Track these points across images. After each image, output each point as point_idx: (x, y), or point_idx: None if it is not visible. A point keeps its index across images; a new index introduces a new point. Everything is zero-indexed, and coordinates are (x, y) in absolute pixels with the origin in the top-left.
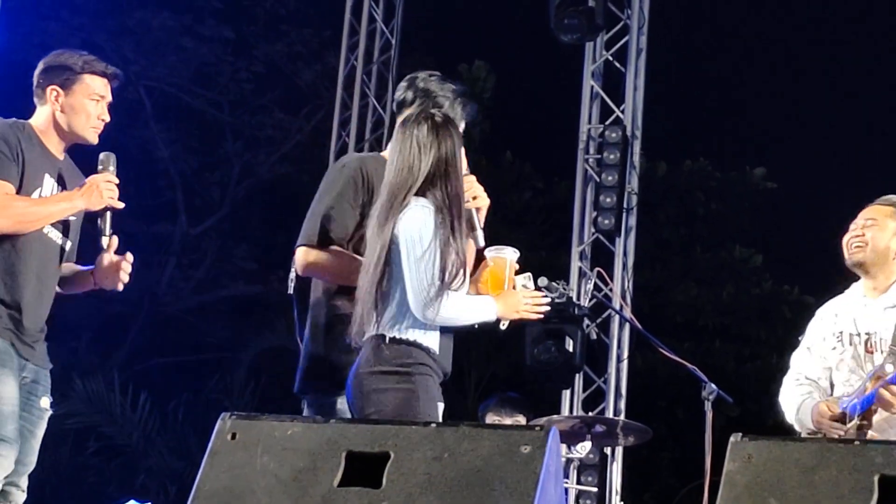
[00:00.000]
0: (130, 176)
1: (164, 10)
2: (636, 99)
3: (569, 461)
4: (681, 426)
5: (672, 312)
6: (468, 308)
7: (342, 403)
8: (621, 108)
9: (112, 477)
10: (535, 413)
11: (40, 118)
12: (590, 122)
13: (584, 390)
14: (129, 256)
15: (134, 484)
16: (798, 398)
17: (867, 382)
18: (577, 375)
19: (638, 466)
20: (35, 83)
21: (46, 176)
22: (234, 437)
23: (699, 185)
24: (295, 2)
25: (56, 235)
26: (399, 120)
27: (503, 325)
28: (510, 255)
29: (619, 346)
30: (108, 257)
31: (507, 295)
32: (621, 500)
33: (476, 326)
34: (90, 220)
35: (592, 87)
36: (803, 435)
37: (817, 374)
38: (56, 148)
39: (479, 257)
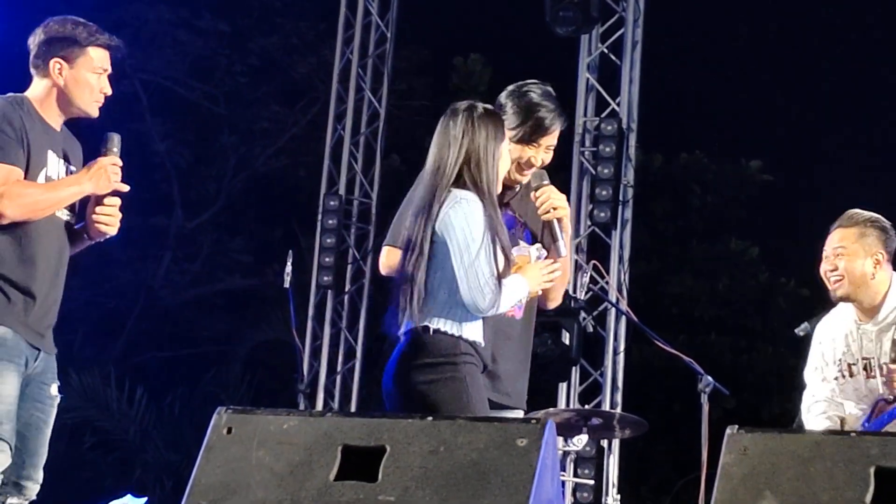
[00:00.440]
0: (126, 169)
1: (160, 4)
2: (632, 91)
3: (565, 454)
4: (677, 419)
5: (668, 305)
6: (511, 293)
7: None
8: (617, 101)
9: (108, 471)
10: (532, 406)
11: (39, 91)
12: (585, 114)
13: (580, 383)
14: (116, 199)
15: (130, 478)
16: (819, 420)
17: (874, 410)
18: (574, 368)
19: (634, 459)
20: (34, 54)
21: (50, 153)
22: (229, 431)
23: (695, 177)
24: None
25: (63, 212)
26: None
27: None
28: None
29: (615, 339)
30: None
31: (529, 269)
32: (618, 492)
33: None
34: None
35: (588, 79)
36: None
37: (829, 394)
38: (55, 121)
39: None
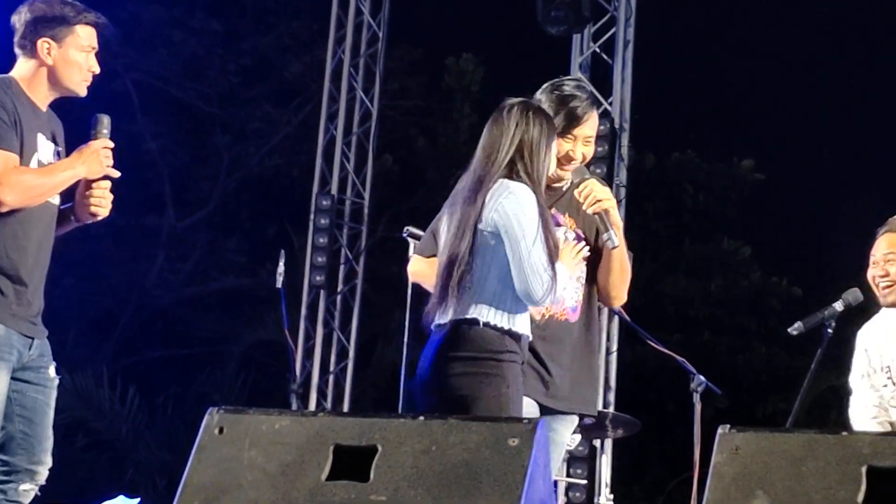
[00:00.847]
0: (117, 168)
1: (154, 3)
2: (624, 91)
3: None
4: (670, 418)
5: (661, 305)
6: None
7: None
8: (609, 101)
9: (101, 471)
10: None
11: (26, 71)
12: None
13: None
14: (107, 182)
15: (123, 478)
16: (871, 425)
17: None
18: None
19: (627, 458)
20: (21, 34)
21: (39, 136)
22: (221, 431)
23: (687, 176)
24: None
25: (55, 197)
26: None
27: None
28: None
29: (608, 339)
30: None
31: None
32: (611, 492)
33: None
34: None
35: (580, 79)
36: None
37: (878, 401)
38: (42, 102)
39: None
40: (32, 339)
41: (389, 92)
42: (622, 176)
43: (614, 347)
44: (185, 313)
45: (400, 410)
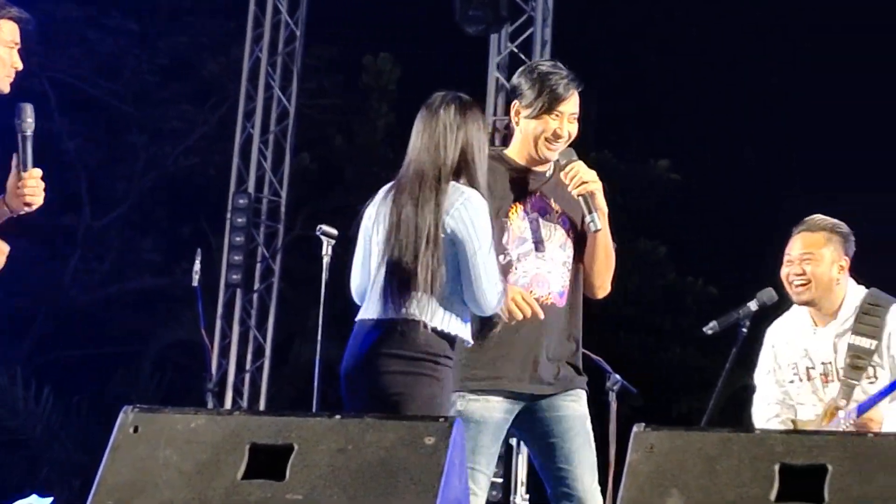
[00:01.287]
0: (36, 167)
1: (67, 2)
2: None
3: None
4: None
5: None
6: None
7: None
8: None
9: (15, 470)
10: None
11: None
12: (495, 113)
13: None
14: (38, 171)
15: (37, 477)
16: (771, 423)
17: (823, 419)
18: None
19: None
20: None
21: None
22: (136, 430)
23: (603, 176)
24: None
25: None
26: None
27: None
28: None
29: None
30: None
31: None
32: (527, 491)
33: None
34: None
35: (498, 78)
36: None
37: (782, 397)
38: None
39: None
40: None
41: (307, 90)
42: None
43: None
44: (101, 312)
45: (315, 409)
